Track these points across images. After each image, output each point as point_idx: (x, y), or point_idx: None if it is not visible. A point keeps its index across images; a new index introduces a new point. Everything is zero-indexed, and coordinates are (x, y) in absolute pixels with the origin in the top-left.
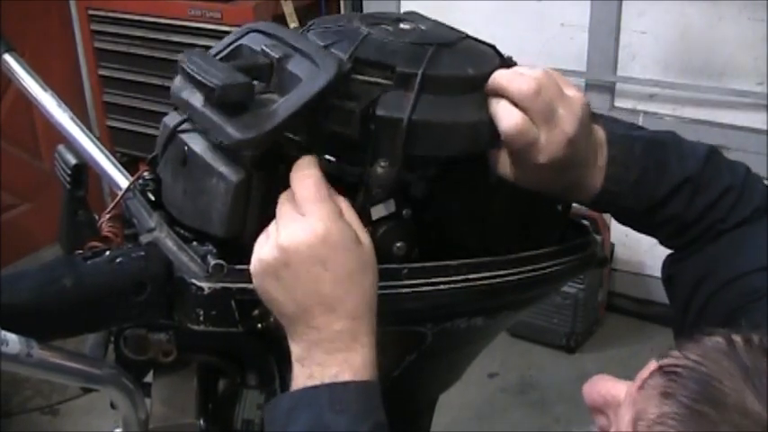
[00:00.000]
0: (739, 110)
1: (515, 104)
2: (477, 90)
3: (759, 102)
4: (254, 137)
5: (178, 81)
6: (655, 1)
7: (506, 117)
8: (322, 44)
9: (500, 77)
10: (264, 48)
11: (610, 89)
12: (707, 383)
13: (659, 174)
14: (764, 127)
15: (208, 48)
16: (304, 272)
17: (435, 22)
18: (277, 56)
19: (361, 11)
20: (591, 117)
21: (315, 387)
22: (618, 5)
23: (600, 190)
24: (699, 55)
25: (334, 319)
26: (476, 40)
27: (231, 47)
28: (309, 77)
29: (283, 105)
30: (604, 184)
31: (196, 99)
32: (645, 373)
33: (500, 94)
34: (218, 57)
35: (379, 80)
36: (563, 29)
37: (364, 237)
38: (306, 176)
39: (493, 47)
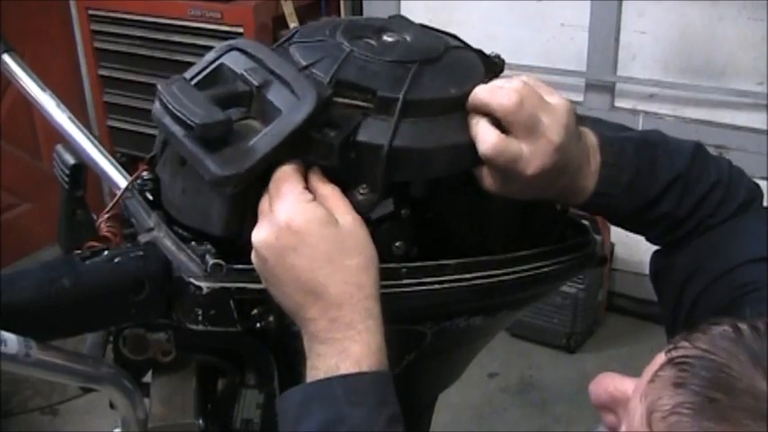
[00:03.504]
0: (739, 110)
1: (498, 119)
2: (460, 109)
3: (759, 102)
4: (233, 174)
5: (159, 105)
6: (655, 1)
7: (484, 138)
8: (304, 63)
9: (481, 93)
10: (244, 73)
11: (610, 89)
12: (717, 371)
13: (650, 174)
14: (764, 127)
15: (208, 48)
16: (281, 264)
17: (421, 28)
18: (257, 83)
19: (361, 11)
20: (578, 121)
21: (328, 379)
22: (618, 5)
23: (593, 192)
24: (699, 55)
25: (325, 306)
26: (462, 45)
27: (212, 66)
28: (289, 109)
29: (263, 141)
30: (597, 186)
31: (177, 129)
32: (654, 366)
33: (481, 110)
34: (198, 77)
35: (361, 103)
36: (563, 29)
37: (344, 217)
38: (277, 173)
39: (480, 52)
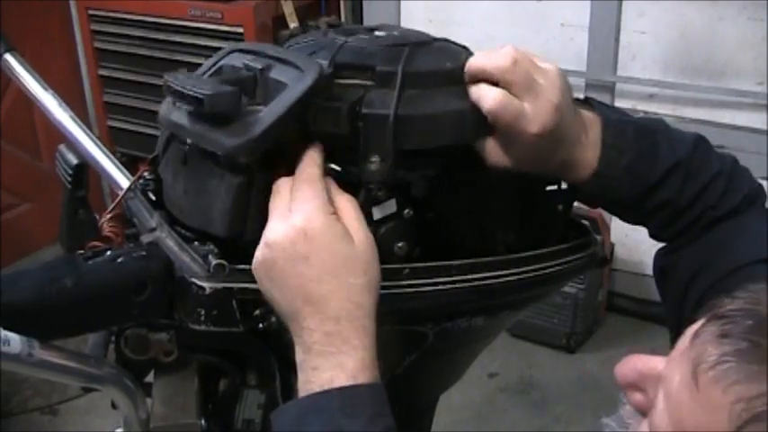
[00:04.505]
0: (739, 110)
1: (496, 82)
2: (457, 83)
3: (759, 102)
4: (245, 142)
5: (165, 105)
6: (655, 1)
7: (487, 95)
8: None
9: (476, 59)
10: (247, 62)
11: (610, 89)
12: (761, 319)
13: (651, 158)
14: (764, 127)
15: (207, 48)
16: (289, 269)
17: (407, 29)
18: (259, 67)
19: (361, 11)
20: (575, 98)
21: (325, 392)
22: (618, 5)
23: (594, 173)
24: (699, 55)
25: (323, 319)
26: (448, 41)
27: (214, 68)
28: (294, 81)
29: (272, 109)
30: (598, 167)
31: (185, 118)
32: (692, 330)
33: (479, 76)
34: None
35: (361, 81)
36: (563, 29)
37: (360, 235)
38: (302, 174)
39: (466, 48)
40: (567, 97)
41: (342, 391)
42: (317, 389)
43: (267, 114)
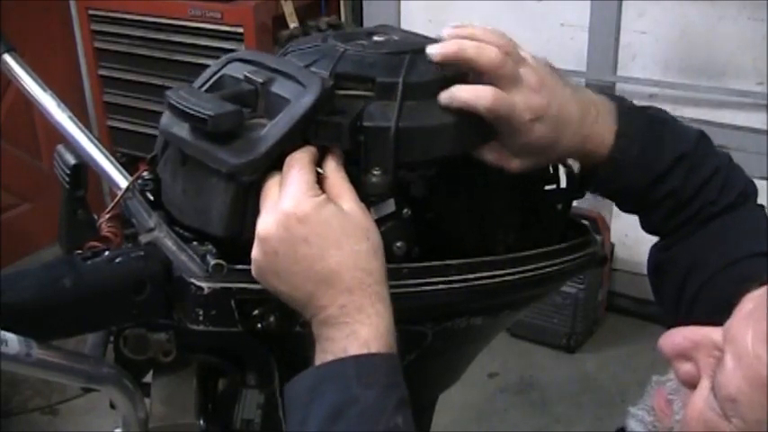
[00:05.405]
0: (739, 110)
1: (479, 74)
2: None
3: (759, 102)
4: (249, 161)
5: (166, 117)
6: (655, 1)
7: (481, 95)
8: (302, 65)
9: (468, 51)
10: (247, 74)
11: (610, 89)
12: None
13: (659, 148)
14: (764, 127)
15: (207, 48)
16: (292, 255)
17: (406, 31)
18: (261, 80)
19: (361, 11)
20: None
21: (341, 360)
22: (618, 5)
23: (608, 158)
24: (699, 55)
25: (336, 294)
26: None
27: (213, 78)
28: (296, 97)
29: (275, 127)
30: (612, 153)
31: (187, 132)
32: (756, 294)
33: (466, 67)
34: (202, 89)
35: (362, 93)
36: (563, 29)
37: (352, 205)
38: (290, 160)
39: None
40: (546, 73)
41: (357, 359)
42: (331, 358)
43: (270, 132)
